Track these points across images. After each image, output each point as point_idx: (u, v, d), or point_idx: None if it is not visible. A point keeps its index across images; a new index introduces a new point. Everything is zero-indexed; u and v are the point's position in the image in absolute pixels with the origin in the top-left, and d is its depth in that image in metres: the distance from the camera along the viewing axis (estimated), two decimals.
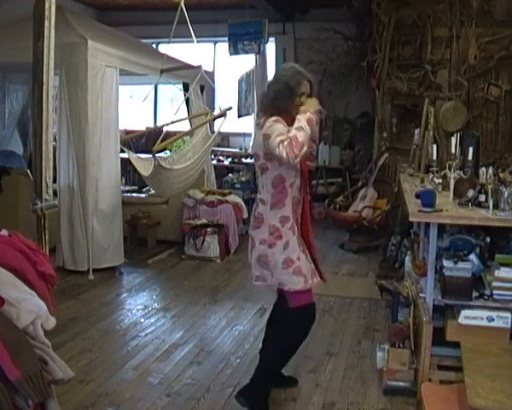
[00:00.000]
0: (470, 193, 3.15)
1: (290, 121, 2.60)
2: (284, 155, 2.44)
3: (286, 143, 2.44)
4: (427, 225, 3.19)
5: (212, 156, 7.84)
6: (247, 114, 8.33)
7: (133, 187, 7.34)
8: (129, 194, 6.70)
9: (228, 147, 8.89)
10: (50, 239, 2.66)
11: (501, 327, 2.91)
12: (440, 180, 3.76)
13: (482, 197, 3.13)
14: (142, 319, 4.12)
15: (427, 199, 3.09)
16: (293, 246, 2.66)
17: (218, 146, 8.45)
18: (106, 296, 4.58)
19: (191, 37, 5.47)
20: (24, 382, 1.67)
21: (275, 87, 2.67)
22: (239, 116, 8.28)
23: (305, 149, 2.50)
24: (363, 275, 5.36)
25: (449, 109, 6.21)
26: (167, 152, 6.80)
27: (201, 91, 6.85)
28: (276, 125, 2.55)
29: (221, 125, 6.20)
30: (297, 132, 2.49)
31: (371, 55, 6.70)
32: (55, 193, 3.59)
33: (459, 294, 2.94)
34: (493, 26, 6.06)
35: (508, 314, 2.91)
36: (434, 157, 4.25)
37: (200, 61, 6.31)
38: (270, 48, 8.50)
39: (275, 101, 2.64)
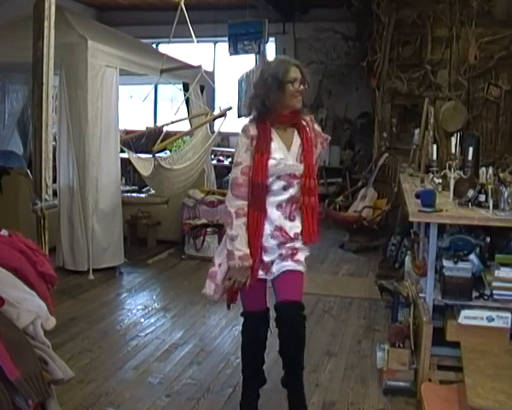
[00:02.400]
0: (470, 193, 3.15)
1: (281, 117, 2.47)
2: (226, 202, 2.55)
3: (228, 196, 2.52)
4: (427, 225, 3.19)
5: (212, 156, 7.84)
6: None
7: (133, 187, 7.34)
8: (129, 194, 6.70)
9: (228, 147, 8.88)
10: (50, 239, 2.66)
11: (501, 327, 2.91)
12: (440, 180, 3.76)
13: (482, 197, 3.13)
14: (142, 319, 4.12)
15: (427, 199, 3.09)
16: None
17: (218, 146, 8.45)
18: (106, 296, 4.58)
19: (191, 37, 5.48)
20: (24, 382, 1.67)
21: (262, 84, 2.48)
22: (239, 116, 8.27)
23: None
24: (363, 275, 5.36)
25: (449, 109, 6.21)
26: (167, 152, 6.80)
27: (201, 91, 6.85)
28: (240, 141, 2.50)
29: (221, 126, 6.20)
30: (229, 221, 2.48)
31: (371, 55, 6.69)
32: (55, 193, 3.60)
33: (459, 294, 2.94)
34: (493, 26, 6.05)
35: (508, 314, 2.91)
36: (434, 157, 4.25)
37: (200, 61, 6.31)
38: (270, 48, 8.50)
39: (266, 97, 2.43)
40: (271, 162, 2.45)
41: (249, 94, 2.70)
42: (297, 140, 2.52)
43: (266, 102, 2.45)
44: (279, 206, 2.50)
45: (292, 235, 2.51)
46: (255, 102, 2.51)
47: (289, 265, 2.53)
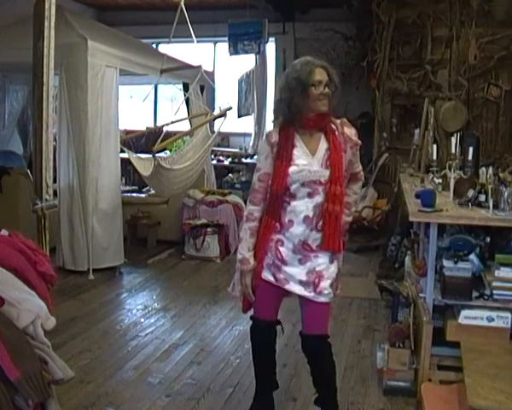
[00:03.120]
0: (470, 193, 3.15)
1: (306, 121, 2.38)
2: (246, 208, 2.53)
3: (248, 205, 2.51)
4: (427, 225, 3.19)
5: (212, 156, 7.84)
6: (247, 114, 8.33)
7: (133, 187, 7.34)
8: (129, 194, 6.71)
9: (228, 147, 8.89)
10: (50, 239, 2.65)
11: (501, 327, 2.92)
12: (440, 180, 3.76)
13: (482, 197, 3.13)
14: (142, 319, 4.12)
15: (427, 199, 3.09)
16: None
17: (218, 146, 8.45)
18: (106, 296, 4.58)
19: (191, 37, 5.48)
20: (24, 382, 1.67)
21: (285, 87, 2.38)
22: (239, 116, 8.29)
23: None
24: (363, 275, 5.35)
25: (449, 109, 6.20)
26: (167, 152, 6.81)
27: (201, 91, 6.85)
28: (262, 147, 2.49)
29: (221, 125, 6.20)
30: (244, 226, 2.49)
31: (371, 55, 6.69)
32: (55, 193, 3.59)
33: (459, 294, 2.95)
34: (493, 26, 6.05)
35: (508, 314, 2.91)
36: (434, 157, 4.25)
37: (200, 61, 6.32)
38: (270, 48, 8.50)
39: (290, 101, 2.35)
40: (293, 169, 2.35)
41: (275, 98, 2.56)
42: (323, 145, 2.40)
43: (291, 107, 2.36)
44: (306, 217, 2.38)
45: (314, 247, 2.40)
46: (281, 107, 2.42)
47: (312, 296, 2.42)
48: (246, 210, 2.53)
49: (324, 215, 2.37)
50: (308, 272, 2.41)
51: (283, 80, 2.42)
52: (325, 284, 2.42)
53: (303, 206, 2.38)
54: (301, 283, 2.43)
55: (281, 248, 2.43)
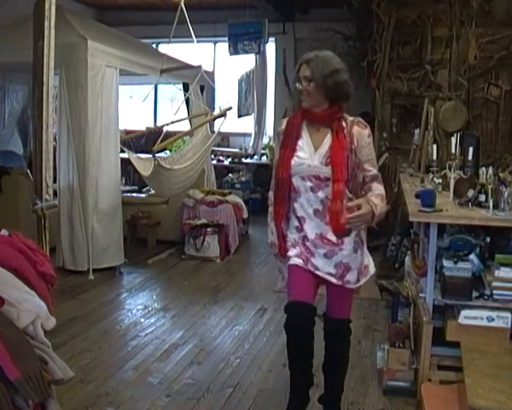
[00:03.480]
0: (470, 193, 3.15)
1: (308, 114, 2.42)
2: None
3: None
4: (427, 225, 3.19)
5: (212, 156, 7.85)
6: (247, 114, 8.34)
7: (133, 187, 7.35)
8: (129, 194, 6.71)
9: (228, 147, 8.89)
10: (50, 239, 2.65)
11: (501, 327, 2.91)
12: (440, 180, 3.76)
13: (482, 197, 3.13)
14: (142, 319, 4.12)
15: (427, 199, 3.09)
16: None
17: (218, 146, 8.45)
18: (106, 296, 4.58)
19: (191, 37, 5.48)
20: (24, 382, 1.67)
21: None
22: (239, 116, 8.29)
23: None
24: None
25: (449, 109, 6.20)
26: (167, 152, 6.81)
27: (201, 91, 6.86)
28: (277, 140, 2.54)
29: (221, 125, 6.20)
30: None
31: (371, 55, 6.69)
32: (55, 193, 3.59)
33: (459, 294, 2.94)
34: (493, 26, 6.04)
35: (508, 314, 2.91)
36: (434, 157, 4.25)
37: (200, 61, 6.31)
38: (270, 48, 8.50)
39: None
40: (294, 161, 2.39)
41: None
42: (328, 142, 2.38)
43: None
44: (316, 211, 2.40)
45: (334, 240, 2.41)
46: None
47: (337, 282, 2.47)
48: (269, 196, 2.60)
49: (329, 213, 2.36)
50: (336, 266, 2.45)
51: None
52: (352, 276, 2.48)
53: (310, 200, 2.41)
54: (329, 274, 2.47)
55: (307, 244, 2.47)
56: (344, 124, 2.40)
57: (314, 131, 2.43)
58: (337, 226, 2.33)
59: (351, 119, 2.44)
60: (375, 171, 2.47)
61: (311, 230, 2.44)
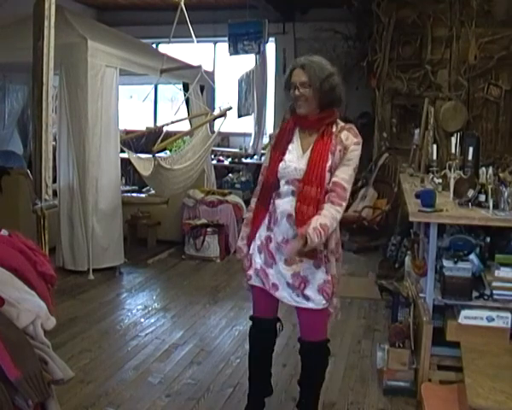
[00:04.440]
0: (470, 193, 3.15)
1: (299, 120, 2.40)
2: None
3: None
4: (427, 225, 3.19)
5: (212, 156, 7.84)
6: (247, 114, 8.33)
7: (133, 187, 7.34)
8: (129, 194, 6.71)
9: (228, 147, 8.88)
10: (50, 239, 2.66)
11: (501, 327, 2.91)
12: (440, 180, 3.76)
13: (482, 197, 3.13)
14: (142, 319, 4.12)
15: (427, 199, 3.09)
16: None
17: (218, 146, 8.45)
18: (106, 296, 4.58)
19: (191, 37, 5.48)
20: (24, 382, 1.67)
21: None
22: (239, 116, 8.28)
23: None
24: (363, 275, 5.35)
25: (449, 109, 6.20)
26: (167, 152, 6.81)
27: (201, 91, 6.85)
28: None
29: (221, 125, 6.20)
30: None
31: (371, 55, 6.69)
32: (55, 193, 3.60)
33: (459, 294, 2.95)
34: (493, 26, 6.05)
35: (508, 314, 2.91)
36: (434, 157, 4.25)
37: (200, 61, 6.31)
38: (270, 48, 8.50)
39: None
40: (281, 164, 2.37)
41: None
42: (313, 144, 2.36)
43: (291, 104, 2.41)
44: (289, 216, 2.35)
45: None
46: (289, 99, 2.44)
47: (300, 301, 2.40)
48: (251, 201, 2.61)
49: (296, 214, 2.32)
50: (293, 275, 2.39)
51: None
52: (311, 292, 2.38)
53: (287, 204, 2.37)
54: (289, 285, 2.41)
55: (270, 245, 2.45)
56: (334, 128, 2.36)
57: (305, 136, 2.41)
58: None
59: (342, 124, 2.39)
60: (341, 180, 2.30)
61: (279, 232, 2.40)
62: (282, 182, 2.39)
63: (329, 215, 2.25)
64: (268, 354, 2.69)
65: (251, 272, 2.52)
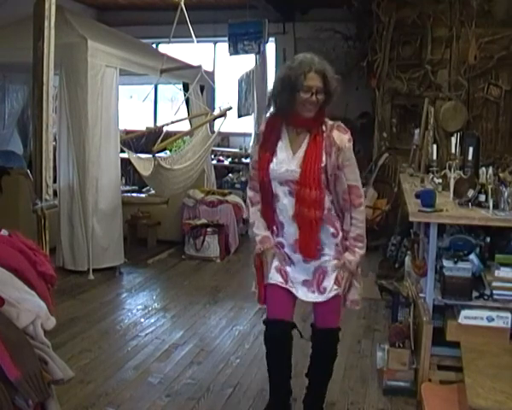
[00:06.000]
0: (470, 193, 3.15)
1: (292, 119, 2.34)
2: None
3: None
4: (427, 225, 3.19)
5: (212, 156, 7.84)
6: (247, 114, 8.32)
7: (133, 187, 7.34)
8: (129, 194, 6.71)
9: (228, 147, 8.88)
10: (50, 239, 2.66)
11: (501, 327, 2.91)
12: (440, 180, 3.76)
13: (482, 197, 3.13)
14: (142, 319, 4.12)
15: (427, 199, 3.09)
16: None
17: (218, 146, 8.45)
18: (106, 296, 4.58)
19: (191, 37, 5.48)
20: (24, 382, 1.67)
21: (278, 81, 2.33)
22: (239, 116, 8.28)
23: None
24: (363, 275, 5.28)
25: (449, 109, 6.20)
26: (167, 152, 6.81)
27: (201, 91, 6.85)
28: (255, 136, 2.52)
29: (221, 125, 6.20)
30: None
31: (371, 55, 6.69)
32: (55, 193, 3.59)
33: (459, 294, 2.94)
34: (493, 26, 6.05)
35: (508, 314, 2.91)
36: (434, 157, 4.25)
37: (200, 61, 6.31)
38: (270, 48, 8.49)
39: (278, 97, 2.33)
40: (272, 165, 2.34)
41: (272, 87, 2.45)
42: (305, 146, 2.33)
43: (280, 101, 2.34)
44: (293, 217, 2.36)
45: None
46: (272, 98, 2.39)
47: (316, 297, 2.43)
48: (247, 198, 2.55)
49: (296, 218, 2.34)
50: (314, 271, 2.42)
51: (280, 72, 2.36)
52: (327, 282, 2.41)
53: (288, 205, 2.36)
54: (305, 283, 2.43)
55: (283, 250, 2.45)
56: (324, 128, 2.34)
57: (294, 135, 2.37)
58: (307, 247, 2.36)
59: (331, 123, 2.37)
60: (353, 182, 2.37)
61: (290, 235, 2.40)
62: (275, 183, 2.36)
63: (360, 220, 2.39)
64: (289, 354, 2.54)
65: (273, 266, 2.45)
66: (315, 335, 2.56)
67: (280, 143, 2.37)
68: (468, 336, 2.93)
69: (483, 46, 6.04)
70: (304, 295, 2.45)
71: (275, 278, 2.45)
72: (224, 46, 8.27)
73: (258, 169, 2.40)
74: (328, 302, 2.43)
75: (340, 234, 2.41)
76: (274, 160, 2.34)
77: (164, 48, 7.68)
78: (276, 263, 2.46)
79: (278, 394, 2.60)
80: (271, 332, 2.48)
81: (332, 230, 2.40)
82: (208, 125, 6.30)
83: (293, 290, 2.45)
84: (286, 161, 2.33)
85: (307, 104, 2.27)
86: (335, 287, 2.41)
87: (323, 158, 2.30)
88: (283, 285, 2.44)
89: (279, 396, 2.60)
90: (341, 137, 2.33)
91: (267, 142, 2.39)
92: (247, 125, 8.50)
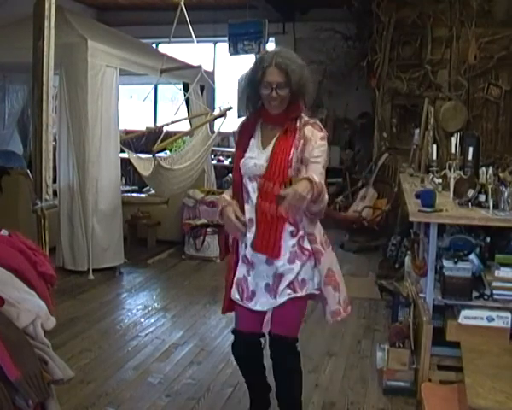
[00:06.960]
0: (470, 193, 3.15)
1: (264, 115, 2.30)
2: None
3: None
4: (427, 225, 3.19)
5: (212, 156, 7.84)
6: None
7: (133, 187, 7.34)
8: (129, 194, 6.71)
9: (228, 147, 8.88)
10: (50, 239, 2.66)
11: (501, 327, 2.91)
12: (440, 180, 3.76)
13: (482, 197, 3.13)
14: (142, 319, 4.12)
15: (427, 199, 3.09)
16: None
17: (218, 146, 8.44)
18: (106, 296, 4.58)
19: (191, 37, 5.48)
20: (24, 382, 1.67)
21: (247, 76, 2.29)
22: (239, 116, 8.25)
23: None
24: (363, 275, 5.35)
25: (449, 109, 6.21)
26: (167, 152, 6.81)
27: (201, 91, 6.85)
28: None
29: (221, 126, 6.20)
30: None
31: (371, 55, 6.70)
32: (55, 193, 3.59)
33: (459, 294, 2.94)
34: (493, 26, 6.06)
35: (508, 314, 2.91)
36: (434, 157, 4.25)
37: (200, 61, 6.31)
38: (270, 48, 8.50)
39: (248, 93, 2.28)
40: (243, 161, 2.28)
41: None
42: (275, 140, 2.25)
43: (249, 99, 2.29)
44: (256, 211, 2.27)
45: None
46: (243, 96, 2.31)
47: (273, 302, 2.29)
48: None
49: (256, 212, 2.24)
50: (274, 275, 2.29)
51: (249, 68, 2.29)
52: (282, 286, 2.28)
53: (256, 201, 2.26)
54: (267, 287, 2.31)
55: (246, 251, 2.35)
56: (298, 123, 2.26)
57: (267, 131, 2.30)
58: (265, 243, 2.22)
59: (306, 119, 2.29)
60: (316, 177, 2.10)
61: (251, 235, 2.29)
62: (246, 179, 2.29)
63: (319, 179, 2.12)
64: (260, 366, 2.52)
65: (234, 284, 2.38)
66: (270, 343, 2.39)
67: (252, 140, 2.31)
68: (468, 336, 2.93)
69: (483, 46, 6.05)
70: (261, 306, 2.32)
71: (234, 295, 2.38)
72: (224, 46, 8.27)
73: (233, 167, 2.36)
74: (283, 307, 2.28)
75: (300, 233, 2.28)
76: (245, 156, 2.29)
77: (164, 48, 7.68)
78: (241, 273, 2.38)
79: (255, 391, 2.61)
80: (238, 346, 2.45)
81: (291, 228, 2.27)
82: (208, 125, 6.30)
83: (250, 305, 2.32)
84: (255, 156, 2.27)
85: (271, 100, 2.21)
86: (288, 291, 2.27)
87: (292, 152, 2.21)
88: (239, 302, 2.36)
89: (256, 393, 2.61)
90: (313, 132, 2.24)
91: (241, 140, 2.35)
92: None
